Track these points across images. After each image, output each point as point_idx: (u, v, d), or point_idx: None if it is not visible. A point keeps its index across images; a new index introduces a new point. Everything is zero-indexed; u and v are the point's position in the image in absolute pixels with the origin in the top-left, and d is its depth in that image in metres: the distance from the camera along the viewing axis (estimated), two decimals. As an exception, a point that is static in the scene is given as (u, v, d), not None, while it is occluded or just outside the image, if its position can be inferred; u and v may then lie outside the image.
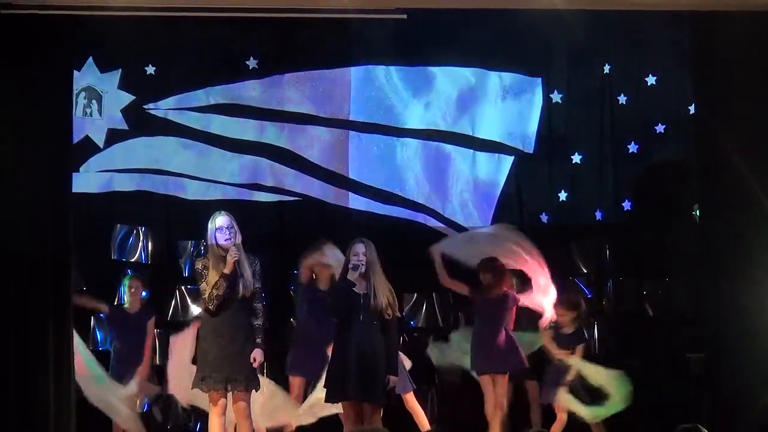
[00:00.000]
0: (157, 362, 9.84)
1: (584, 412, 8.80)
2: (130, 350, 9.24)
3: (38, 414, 8.20)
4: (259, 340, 7.44)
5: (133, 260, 10.39)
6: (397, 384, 7.84)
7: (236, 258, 7.39)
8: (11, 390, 8.19)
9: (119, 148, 10.45)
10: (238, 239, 7.49)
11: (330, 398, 7.64)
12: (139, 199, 10.45)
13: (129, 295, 9.39)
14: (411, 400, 8.70)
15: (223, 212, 7.59)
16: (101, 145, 10.40)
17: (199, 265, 7.54)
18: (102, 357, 9.58)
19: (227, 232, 7.44)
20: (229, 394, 7.44)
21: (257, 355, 7.40)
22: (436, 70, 10.71)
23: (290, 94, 10.60)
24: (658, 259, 10.45)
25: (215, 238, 7.46)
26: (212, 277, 7.41)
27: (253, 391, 7.51)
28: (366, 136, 10.67)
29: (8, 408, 8.17)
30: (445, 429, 8.95)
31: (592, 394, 8.85)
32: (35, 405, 8.21)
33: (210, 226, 7.50)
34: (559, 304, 8.99)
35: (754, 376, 8.44)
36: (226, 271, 7.38)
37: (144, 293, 9.75)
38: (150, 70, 10.43)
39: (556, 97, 10.71)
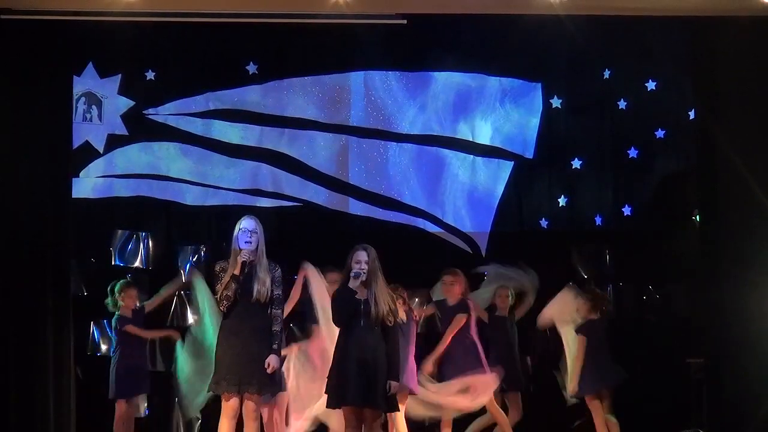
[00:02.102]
0: (156, 368, 9.86)
1: None
2: (129, 358, 9.23)
3: (38, 415, 8.21)
4: (275, 346, 7.47)
5: (133, 266, 10.38)
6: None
7: (245, 259, 7.42)
8: (11, 392, 8.20)
9: (119, 153, 10.45)
10: (261, 244, 7.53)
11: (331, 404, 7.63)
12: (139, 204, 10.44)
13: (123, 301, 9.32)
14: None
15: (250, 216, 7.62)
16: (101, 151, 10.40)
17: (217, 268, 7.59)
18: (101, 362, 9.59)
19: (249, 236, 7.48)
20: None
21: (272, 361, 7.42)
22: (435, 76, 10.71)
23: (290, 99, 10.60)
24: (658, 264, 10.44)
25: (238, 240, 7.51)
26: (226, 279, 7.46)
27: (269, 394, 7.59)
28: (366, 142, 10.67)
29: (8, 409, 8.18)
30: None
31: None
32: (35, 406, 8.22)
33: (236, 228, 7.54)
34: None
35: (755, 381, 8.44)
36: (235, 271, 7.42)
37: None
38: (150, 75, 10.43)
39: (555, 102, 10.71)
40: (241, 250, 7.48)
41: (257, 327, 7.46)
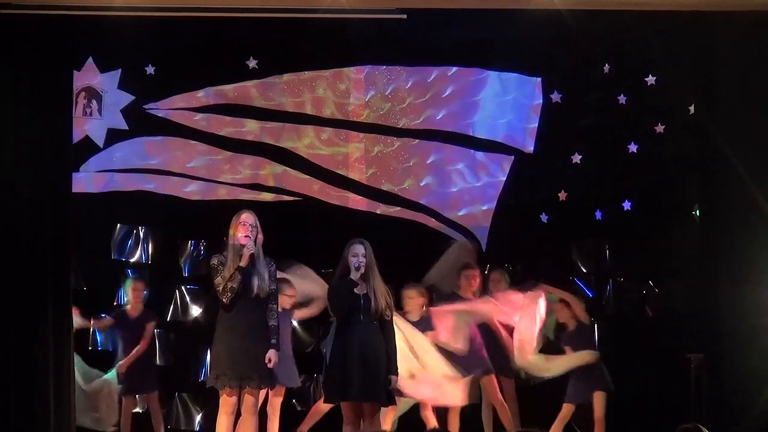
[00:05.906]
0: (158, 362, 9.87)
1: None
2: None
3: (38, 411, 8.22)
4: (274, 341, 7.52)
5: (132, 260, 10.39)
6: None
7: (252, 251, 7.47)
8: (11, 390, 8.21)
9: (119, 147, 10.45)
10: (259, 238, 7.58)
11: (330, 399, 7.65)
12: (139, 199, 10.44)
13: (131, 297, 9.40)
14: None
15: (247, 210, 7.72)
16: (101, 145, 10.40)
17: (214, 261, 7.62)
18: (102, 358, 9.61)
19: (251, 230, 7.54)
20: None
21: (272, 356, 7.48)
22: (435, 70, 10.71)
23: (290, 94, 10.60)
24: (658, 259, 10.43)
25: (239, 234, 7.54)
26: (228, 272, 7.47)
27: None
28: (366, 137, 10.68)
29: (9, 406, 8.19)
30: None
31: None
32: (35, 402, 8.22)
33: (234, 222, 7.58)
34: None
35: (754, 376, 8.46)
36: (242, 263, 7.46)
37: (145, 294, 9.76)
38: (150, 70, 10.42)
39: (555, 96, 10.70)
40: (243, 244, 7.51)
41: (255, 322, 7.51)
